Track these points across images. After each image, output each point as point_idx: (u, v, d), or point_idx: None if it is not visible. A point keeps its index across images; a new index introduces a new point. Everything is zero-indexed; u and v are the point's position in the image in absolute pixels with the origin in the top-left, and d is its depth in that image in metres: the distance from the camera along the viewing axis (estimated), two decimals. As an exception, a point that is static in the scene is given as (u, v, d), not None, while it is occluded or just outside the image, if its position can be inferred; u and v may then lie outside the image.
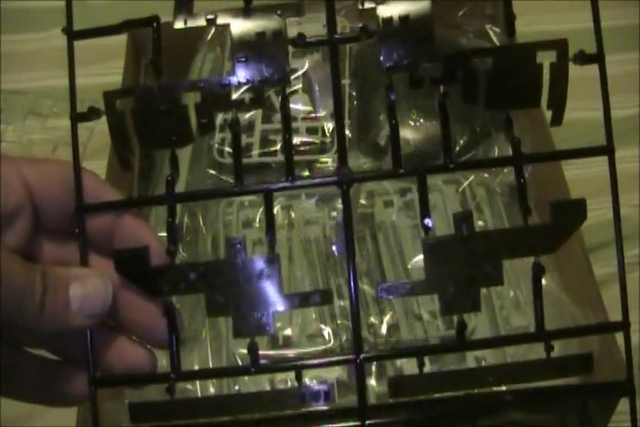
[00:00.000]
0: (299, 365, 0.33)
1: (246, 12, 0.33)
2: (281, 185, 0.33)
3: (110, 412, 0.50)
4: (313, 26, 0.71)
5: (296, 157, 0.64)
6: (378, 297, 0.33)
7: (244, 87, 0.71)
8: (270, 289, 0.31)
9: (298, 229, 0.62)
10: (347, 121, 0.66)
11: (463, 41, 0.72)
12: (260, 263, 0.32)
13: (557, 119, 0.35)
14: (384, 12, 0.33)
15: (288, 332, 0.55)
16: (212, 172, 0.65)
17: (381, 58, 0.33)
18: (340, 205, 0.63)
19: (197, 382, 0.53)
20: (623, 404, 0.49)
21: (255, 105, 0.34)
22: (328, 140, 0.66)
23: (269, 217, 0.33)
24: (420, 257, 0.58)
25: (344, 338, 0.55)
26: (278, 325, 0.56)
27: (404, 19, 0.33)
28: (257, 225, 0.62)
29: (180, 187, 0.65)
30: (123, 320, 0.33)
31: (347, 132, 0.66)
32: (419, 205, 0.33)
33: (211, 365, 0.54)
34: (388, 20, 0.33)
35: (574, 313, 0.53)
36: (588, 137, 0.73)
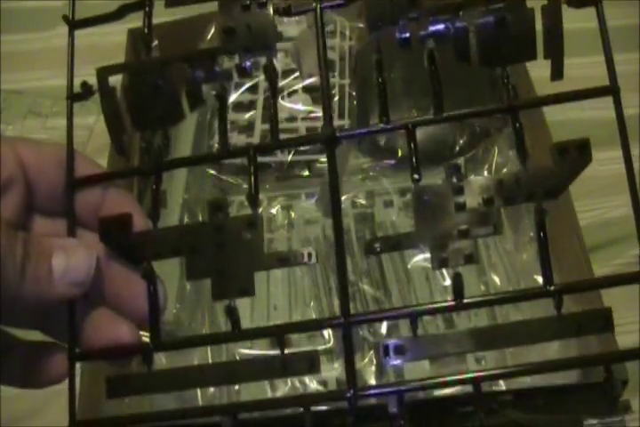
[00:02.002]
0: (281, 329, 0.32)
1: None
2: (268, 145, 0.33)
3: (110, 411, 0.50)
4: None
5: (296, 157, 0.65)
6: (367, 251, 0.31)
7: (245, 87, 0.71)
8: (251, 251, 0.31)
9: (298, 229, 0.62)
10: (346, 121, 0.66)
11: (470, 17, 0.72)
12: (241, 225, 0.31)
13: (558, 71, 0.33)
14: None
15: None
16: (212, 171, 0.65)
17: (367, 19, 0.32)
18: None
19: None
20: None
21: (242, 75, 0.33)
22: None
23: (255, 177, 0.32)
24: (421, 257, 0.58)
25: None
26: (278, 321, 0.56)
27: None
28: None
29: (179, 187, 0.65)
30: (106, 294, 0.33)
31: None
32: (409, 160, 0.32)
33: (210, 356, 0.54)
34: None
35: (574, 313, 0.53)
36: (586, 136, 0.73)
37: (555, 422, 0.50)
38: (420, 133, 0.69)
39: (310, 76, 0.68)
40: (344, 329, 0.30)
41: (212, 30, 0.72)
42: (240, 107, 0.69)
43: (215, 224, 0.31)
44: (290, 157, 0.65)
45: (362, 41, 0.72)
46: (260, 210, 0.63)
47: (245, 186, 0.64)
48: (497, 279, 0.57)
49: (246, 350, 0.54)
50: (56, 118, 0.77)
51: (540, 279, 0.57)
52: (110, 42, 0.71)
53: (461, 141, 0.65)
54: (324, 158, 0.65)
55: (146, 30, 0.34)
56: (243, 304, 0.58)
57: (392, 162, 0.65)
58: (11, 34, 0.83)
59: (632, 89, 0.74)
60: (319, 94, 0.69)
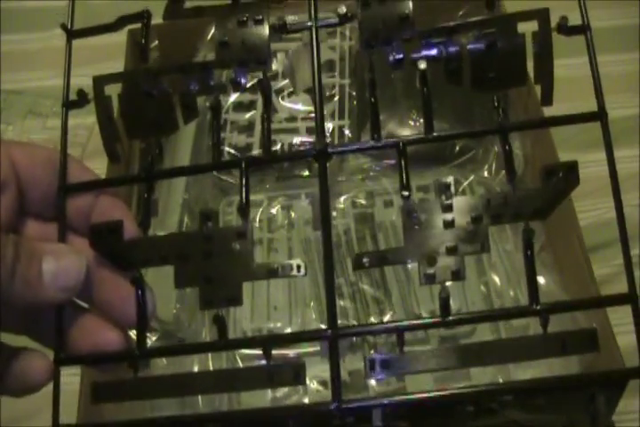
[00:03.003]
0: (267, 340, 0.32)
1: (234, 3, 0.33)
2: (260, 158, 0.33)
3: (110, 411, 0.50)
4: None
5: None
6: (355, 266, 0.31)
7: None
8: (241, 261, 0.31)
9: (298, 229, 0.62)
10: (346, 121, 0.66)
11: (463, 41, 0.72)
12: (231, 235, 0.31)
13: (547, 97, 0.34)
14: None
15: (288, 332, 0.55)
16: (213, 172, 0.65)
17: (361, 38, 0.33)
18: (340, 205, 0.63)
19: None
20: (624, 404, 0.49)
21: (236, 88, 0.34)
22: (328, 140, 0.66)
23: (246, 190, 0.32)
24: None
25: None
26: (278, 325, 0.56)
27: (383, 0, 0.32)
28: (257, 225, 0.62)
29: (180, 186, 0.65)
30: (94, 299, 0.33)
31: (347, 132, 0.66)
32: (399, 177, 0.32)
33: (210, 364, 0.54)
34: (368, 3, 0.33)
35: (574, 313, 0.53)
36: (587, 136, 0.73)
37: (555, 422, 0.50)
38: (420, 133, 0.69)
39: (304, 90, 0.68)
40: (330, 342, 0.30)
41: (212, 31, 0.72)
42: (240, 107, 0.69)
43: (205, 234, 0.32)
44: (290, 157, 0.65)
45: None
46: (260, 210, 0.63)
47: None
48: (497, 279, 0.57)
49: (246, 350, 0.54)
50: (56, 118, 0.77)
51: (540, 280, 0.57)
52: (110, 42, 0.70)
53: (461, 142, 0.65)
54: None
55: (143, 41, 0.34)
56: (243, 305, 0.58)
57: (392, 162, 0.65)
58: (11, 34, 0.83)
59: (632, 89, 0.74)
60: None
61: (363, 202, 0.63)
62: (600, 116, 0.35)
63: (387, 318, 0.56)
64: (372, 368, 0.30)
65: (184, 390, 0.32)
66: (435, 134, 0.32)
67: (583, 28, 0.34)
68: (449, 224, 0.30)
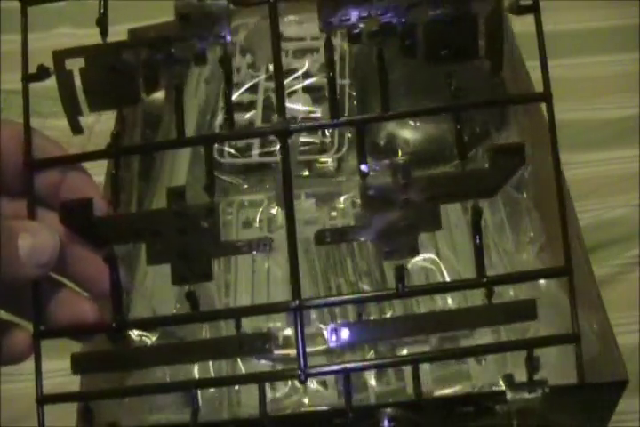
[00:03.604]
0: (237, 312, 0.34)
1: None
2: (221, 135, 0.34)
3: (110, 411, 0.50)
4: (313, 25, 0.71)
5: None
6: (317, 241, 0.33)
7: (245, 87, 0.72)
8: (209, 238, 0.32)
9: (298, 229, 0.62)
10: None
11: (418, 16, 0.72)
12: (199, 212, 0.32)
13: (497, 67, 0.35)
14: None
15: (288, 332, 0.55)
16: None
17: (321, 18, 0.34)
18: (340, 205, 0.63)
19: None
20: (622, 404, 0.49)
21: (198, 62, 0.34)
22: (328, 140, 0.66)
23: (209, 168, 0.34)
24: (421, 257, 0.58)
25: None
26: (278, 324, 0.56)
27: None
28: (257, 225, 0.62)
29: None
30: (69, 273, 0.33)
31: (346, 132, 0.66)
32: (356, 154, 0.33)
33: (210, 364, 0.54)
34: None
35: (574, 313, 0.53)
36: (587, 136, 0.74)
37: (555, 422, 0.50)
38: (420, 134, 0.69)
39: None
40: (295, 312, 0.33)
41: (212, 30, 0.72)
42: (240, 107, 0.69)
43: (175, 211, 0.33)
44: (290, 157, 0.65)
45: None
46: (260, 210, 0.63)
47: (246, 186, 0.64)
48: (497, 280, 0.57)
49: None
50: (56, 118, 0.76)
51: (541, 280, 0.57)
52: (110, 41, 0.71)
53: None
54: (323, 158, 0.66)
55: (102, 11, 0.34)
56: (243, 304, 0.58)
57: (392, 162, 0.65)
58: (11, 34, 0.83)
59: (632, 89, 0.74)
60: (319, 94, 0.69)
61: None
62: (545, 97, 0.37)
63: (387, 317, 0.56)
64: (334, 336, 0.33)
65: (156, 360, 0.33)
66: (391, 113, 0.34)
67: (533, 8, 0.36)
68: (404, 203, 0.32)
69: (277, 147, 0.64)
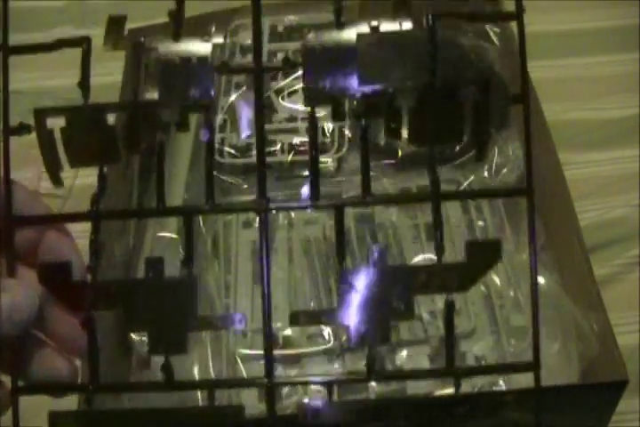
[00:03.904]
0: (210, 383, 0.34)
1: (176, 35, 0.34)
2: (201, 208, 0.35)
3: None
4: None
5: (296, 157, 0.65)
6: (291, 322, 0.34)
7: (243, 88, 0.71)
8: (186, 310, 0.32)
9: (298, 229, 0.62)
10: (347, 121, 0.66)
11: (463, 41, 0.72)
12: (177, 284, 0.33)
13: (481, 155, 0.35)
14: (308, 46, 0.34)
15: (288, 332, 0.55)
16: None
17: (305, 89, 0.34)
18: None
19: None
20: (622, 404, 0.49)
21: (181, 128, 0.34)
22: (328, 140, 0.66)
23: (189, 238, 0.34)
24: (421, 257, 0.58)
25: (344, 338, 0.55)
26: (278, 325, 0.56)
27: (329, 50, 0.34)
28: (257, 225, 0.62)
29: (179, 187, 0.65)
30: (47, 331, 0.34)
31: (346, 132, 0.66)
32: (335, 240, 0.34)
33: (210, 364, 0.54)
34: (313, 52, 0.34)
35: (574, 313, 0.53)
36: (587, 136, 0.74)
37: (555, 422, 0.50)
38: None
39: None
40: (267, 390, 0.32)
41: (213, 30, 0.72)
42: (240, 107, 0.69)
43: (151, 282, 0.32)
44: (290, 157, 0.65)
45: (362, 41, 0.72)
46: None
47: (246, 186, 0.64)
48: (497, 280, 0.57)
49: (246, 351, 0.54)
50: (56, 118, 0.77)
51: (540, 280, 0.57)
52: (110, 42, 0.71)
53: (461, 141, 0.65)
54: (323, 158, 0.65)
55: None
56: (243, 305, 0.58)
57: (392, 162, 0.65)
58: (11, 34, 0.83)
59: (632, 89, 0.74)
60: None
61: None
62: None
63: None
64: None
65: (133, 425, 0.34)
66: (371, 198, 0.36)
67: (522, 97, 0.36)
68: (378, 293, 0.33)
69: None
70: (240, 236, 0.62)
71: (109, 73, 0.74)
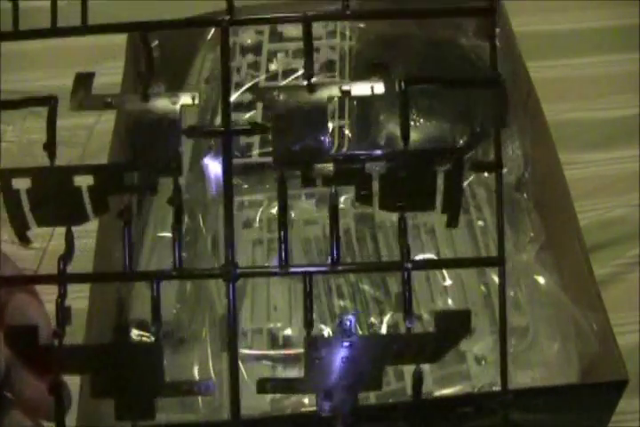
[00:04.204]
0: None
1: (144, 95, 0.33)
2: (167, 273, 0.34)
3: (110, 411, 0.50)
4: (312, 25, 0.71)
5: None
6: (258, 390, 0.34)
7: (245, 87, 0.71)
8: (153, 376, 0.32)
9: (298, 229, 0.62)
10: (347, 121, 0.66)
11: (463, 41, 0.72)
12: (145, 350, 0.32)
13: (453, 222, 0.35)
14: (279, 108, 0.34)
15: (288, 332, 0.55)
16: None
17: (273, 152, 0.33)
18: (340, 205, 0.63)
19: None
20: (622, 404, 0.49)
21: (149, 192, 0.34)
22: (328, 139, 0.65)
23: (155, 305, 0.33)
24: (421, 257, 0.58)
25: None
26: (278, 325, 0.56)
27: (299, 114, 0.33)
28: (257, 225, 0.62)
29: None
30: (14, 392, 0.34)
31: (346, 132, 0.66)
32: (303, 304, 0.35)
33: (210, 364, 0.54)
34: (282, 115, 0.34)
35: (574, 313, 0.53)
36: (587, 136, 0.74)
37: (555, 423, 0.50)
38: (420, 133, 0.69)
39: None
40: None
41: (212, 31, 0.72)
42: (240, 107, 0.68)
43: (118, 348, 0.32)
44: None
45: (362, 41, 0.72)
46: (261, 210, 0.63)
47: (246, 186, 0.64)
48: (497, 279, 0.57)
49: (246, 351, 0.54)
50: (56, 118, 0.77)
51: (540, 280, 0.57)
52: (110, 42, 0.71)
53: (461, 141, 0.65)
54: (324, 158, 0.65)
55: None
56: (243, 305, 0.58)
57: (392, 162, 0.64)
58: (10, 34, 0.83)
59: (632, 89, 0.74)
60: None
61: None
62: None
63: (387, 318, 0.56)
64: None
65: None
66: (340, 268, 0.35)
67: (496, 166, 0.34)
68: (347, 362, 0.32)
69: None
70: (240, 236, 0.62)
71: (109, 73, 0.74)
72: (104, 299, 0.54)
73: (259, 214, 0.63)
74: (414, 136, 0.69)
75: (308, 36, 0.35)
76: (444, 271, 0.57)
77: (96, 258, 0.56)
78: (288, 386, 0.33)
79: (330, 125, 0.66)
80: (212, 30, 0.72)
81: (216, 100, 0.70)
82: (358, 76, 0.69)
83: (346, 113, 0.67)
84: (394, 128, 0.66)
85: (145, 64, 0.34)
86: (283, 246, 0.34)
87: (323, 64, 0.70)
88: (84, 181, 0.34)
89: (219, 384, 0.53)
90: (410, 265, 0.34)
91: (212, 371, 0.54)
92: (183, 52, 0.71)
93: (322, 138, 0.34)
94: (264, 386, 0.33)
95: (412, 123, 0.66)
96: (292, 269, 0.34)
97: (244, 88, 0.69)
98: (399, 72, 0.70)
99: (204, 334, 0.56)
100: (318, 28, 0.72)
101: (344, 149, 0.65)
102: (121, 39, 0.69)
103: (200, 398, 0.53)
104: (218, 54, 0.72)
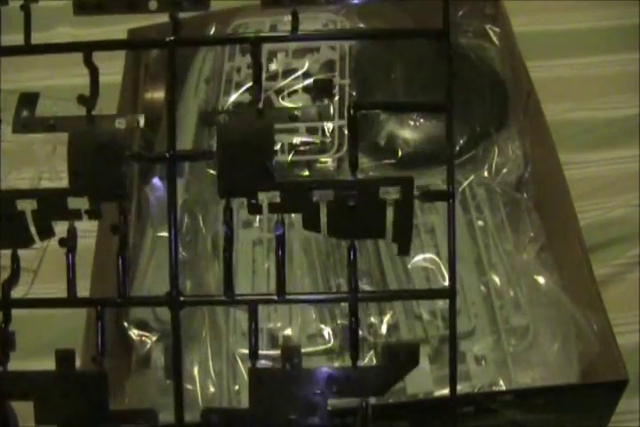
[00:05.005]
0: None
1: (89, 120, 0.33)
2: (112, 301, 0.34)
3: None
4: (312, 26, 0.71)
5: (296, 157, 0.65)
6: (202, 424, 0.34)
7: (245, 87, 0.71)
8: (96, 404, 0.32)
9: (298, 229, 0.62)
10: (347, 121, 0.66)
11: (463, 41, 0.72)
12: (88, 378, 0.33)
13: (404, 250, 0.35)
14: (224, 134, 0.33)
15: (288, 332, 0.55)
16: (212, 171, 0.65)
17: (219, 181, 0.33)
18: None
19: (197, 382, 0.53)
20: (622, 404, 0.49)
21: (93, 217, 0.34)
22: (328, 140, 0.66)
23: (99, 331, 0.33)
24: (421, 257, 0.58)
25: (344, 338, 0.55)
26: (278, 324, 0.56)
27: (245, 141, 0.33)
28: (257, 225, 0.62)
29: (180, 186, 0.65)
30: None
31: (346, 131, 0.66)
32: (250, 341, 0.35)
33: (210, 364, 0.54)
34: (228, 142, 0.33)
35: (574, 313, 0.53)
36: (587, 136, 0.74)
37: (555, 422, 0.50)
38: (420, 133, 0.69)
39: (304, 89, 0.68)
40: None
41: (213, 30, 0.72)
42: (240, 107, 0.68)
43: (63, 375, 0.33)
44: (290, 157, 0.65)
45: (362, 41, 0.72)
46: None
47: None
48: (497, 280, 0.57)
49: (246, 351, 0.54)
50: (56, 118, 0.76)
51: (540, 280, 0.57)
52: (110, 42, 0.71)
53: (461, 141, 0.65)
54: (323, 158, 0.65)
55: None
56: (243, 305, 0.58)
57: (392, 162, 0.65)
58: (11, 34, 0.83)
59: (632, 89, 0.74)
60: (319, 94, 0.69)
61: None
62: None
63: (387, 317, 0.55)
64: None
65: None
66: (287, 297, 0.35)
67: (447, 195, 0.35)
68: (292, 395, 0.33)
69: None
70: (240, 235, 0.61)
71: (109, 73, 0.74)
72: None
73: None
74: (414, 136, 0.70)
75: (256, 59, 0.34)
76: (444, 271, 0.57)
77: (96, 258, 0.56)
78: (232, 418, 0.33)
79: (330, 125, 0.66)
80: (213, 29, 0.72)
81: (216, 101, 0.70)
82: (358, 75, 0.69)
83: (346, 113, 0.67)
84: (394, 128, 0.66)
85: (90, 86, 0.34)
86: (228, 274, 0.34)
87: (323, 64, 0.70)
88: (29, 206, 0.34)
89: (219, 384, 0.53)
90: (358, 295, 0.34)
91: (211, 371, 0.54)
92: (184, 50, 0.71)
93: (267, 165, 0.33)
94: (208, 417, 0.33)
95: (411, 123, 0.66)
96: (238, 298, 0.34)
97: (243, 88, 0.69)
98: (399, 72, 0.71)
99: (203, 334, 0.56)
100: (318, 28, 0.72)
101: (344, 149, 0.65)
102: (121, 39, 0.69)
103: (200, 399, 0.53)
104: (218, 54, 0.72)
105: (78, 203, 0.34)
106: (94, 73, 0.34)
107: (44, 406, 0.32)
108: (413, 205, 0.33)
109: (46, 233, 0.34)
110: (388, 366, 0.33)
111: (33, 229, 0.34)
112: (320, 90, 0.34)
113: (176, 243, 0.33)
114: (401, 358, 0.33)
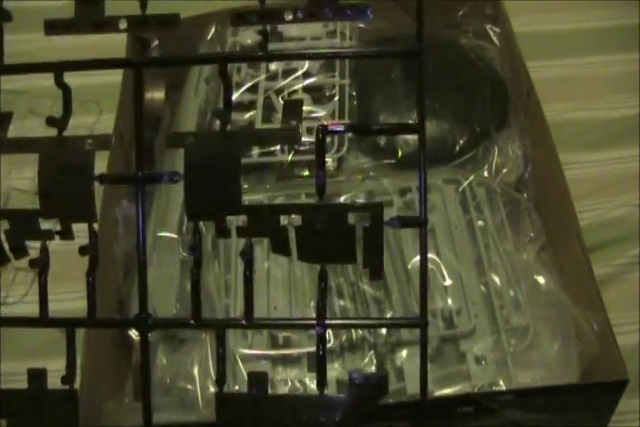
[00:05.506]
0: None
1: (60, 140, 0.33)
2: (82, 321, 0.34)
3: (110, 411, 0.50)
4: (313, 25, 0.71)
5: (296, 157, 0.65)
6: None
7: (245, 87, 0.71)
8: (67, 423, 0.32)
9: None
10: (347, 121, 0.66)
11: (463, 41, 0.72)
12: (59, 396, 0.33)
13: (375, 276, 0.34)
14: (190, 157, 0.33)
15: (288, 332, 0.55)
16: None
17: (187, 205, 0.33)
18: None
19: (197, 382, 0.53)
20: (622, 404, 0.49)
21: (64, 237, 0.34)
22: (328, 139, 0.66)
23: (72, 351, 0.33)
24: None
25: (344, 338, 0.55)
26: (278, 324, 0.56)
27: (210, 165, 0.33)
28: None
29: (180, 186, 0.65)
30: None
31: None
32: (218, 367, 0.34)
33: (210, 364, 0.54)
34: (195, 165, 0.33)
35: (574, 313, 0.53)
36: (587, 136, 0.74)
37: (555, 422, 0.50)
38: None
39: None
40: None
41: (213, 30, 0.72)
42: (240, 107, 0.69)
43: (32, 393, 0.33)
44: (290, 157, 0.65)
45: (362, 41, 0.72)
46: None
47: (246, 186, 0.64)
48: (497, 279, 0.57)
49: (246, 350, 0.54)
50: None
51: (540, 280, 0.57)
52: (110, 42, 0.71)
53: (461, 141, 0.65)
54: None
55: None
56: (243, 305, 0.58)
57: (392, 162, 0.65)
58: (11, 34, 0.83)
59: (632, 89, 0.74)
60: (319, 94, 0.69)
61: (363, 202, 0.63)
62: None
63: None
64: None
65: None
66: (255, 322, 0.35)
67: (419, 223, 0.34)
68: (259, 421, 0.33)
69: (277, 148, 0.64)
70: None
71: (109, 73, 0.74)
72: (104, 299, 0.54)
73: (259, 214, 0.62)
74: (414, 136, 0.69)
75: (225, 77, 0.34)
76: (444, 271, 0.57)
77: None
78: None
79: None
80: (213, 30, 0.72)
81: (216, 101, 0.70)
82: (358, 75, 0.69)
83: (346, 113, 0.67)
84: (394, 128, 0.66)
85: (63, 106, 0.34)
86: (196, 298, 0.34)
87: (323, 64, 0.70)
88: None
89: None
90: (326, 322, 0.34)
91: (212, 371, 0.54)
92: (184, 51, 0.71)
93: (234, 189, 0.33)
94: None
95: (411, 122, 0.65)
96: (205, 322, 0.34)
97: (244, 88, 0.69)
98: (399, 72, 0.71)
99: (203, 334, 0.56)
100: (318, 28, 0.72)
101: (344, 149, 0.65)
102: (121, 39, 0.69)
103: (200, 399, 0.53)
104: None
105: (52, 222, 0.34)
106: (67, 93, 0.34)
107: (16, 424, 0.32)
108: (383, 232, 0.33)
109: (20, 252, 0.34)
110: (354, 397, 0.33)
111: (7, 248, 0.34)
112: (289, 111, 0.33)
113: (144, 266, 0.33)
114: (368, 389, 0.33)
